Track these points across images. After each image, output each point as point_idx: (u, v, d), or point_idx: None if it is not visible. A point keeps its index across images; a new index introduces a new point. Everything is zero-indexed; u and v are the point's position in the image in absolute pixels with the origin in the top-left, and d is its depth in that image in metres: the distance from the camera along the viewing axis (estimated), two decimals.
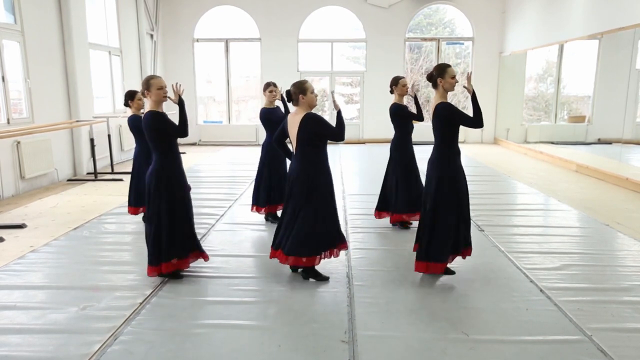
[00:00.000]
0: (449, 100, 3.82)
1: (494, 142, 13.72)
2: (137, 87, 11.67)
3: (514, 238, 5.06)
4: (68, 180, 8.40)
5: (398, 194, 5.14)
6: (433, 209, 3.79)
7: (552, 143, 11.76)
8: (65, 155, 8.60)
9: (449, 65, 3.81)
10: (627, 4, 7.97)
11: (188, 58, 13.41)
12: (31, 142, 7.45)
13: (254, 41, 13.41)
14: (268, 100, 5.37)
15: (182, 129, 3.82)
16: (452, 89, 3.79)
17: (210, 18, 13.35)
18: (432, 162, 3.89)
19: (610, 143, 9.89)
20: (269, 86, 5.37)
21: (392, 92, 5.16)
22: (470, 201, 6.47)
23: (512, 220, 5.79)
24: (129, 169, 9.23)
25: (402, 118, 5.11)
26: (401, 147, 5.17)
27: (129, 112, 5.47)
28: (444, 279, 3.96)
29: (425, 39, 14.14)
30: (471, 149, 12.38)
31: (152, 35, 12.59)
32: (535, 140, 12.33)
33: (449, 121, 3.73)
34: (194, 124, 13.58)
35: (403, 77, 5.18)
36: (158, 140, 3.78)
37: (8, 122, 7.20)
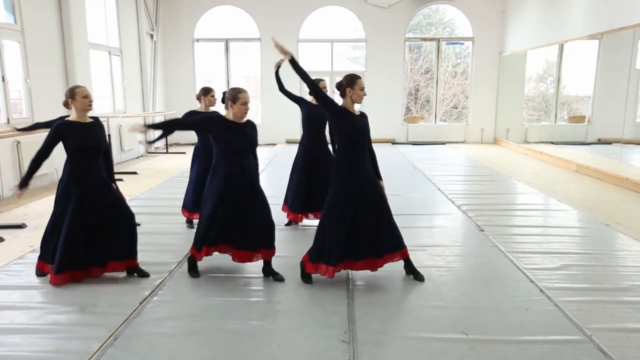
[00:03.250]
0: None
1: (494, 142, 13.72)
2: (137, 87, 11.75)
3: (514, 238, 5.05)
4: None
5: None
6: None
7: (552, 143, 11.75)
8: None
9: (359, 77, 3.79)
10: (627, 4, 7.97)
11: (188, 58, 13.42)
12: (31, 142, 7.44)
13: (254, 41, 13.42)
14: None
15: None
16: (359, 100, 3.78)
17: (210, 18, 13.36)
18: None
19: (610, 143, 9.87)
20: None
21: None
22: (471, 201, 6.55)
23: (512, 220, 5.79)
24: (130, 169, 9.26)
25: None
26: None
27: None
28: (444, 279, 3.97)
29: (425, 39, 14.15)
30: (471, 149, 12.38)
31: (152, 35, 12.59)
32: (535, 140, 12.31)
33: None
34: None
35: (323, 80, 5.24)
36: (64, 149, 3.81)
37: (8, 122, 7.20)
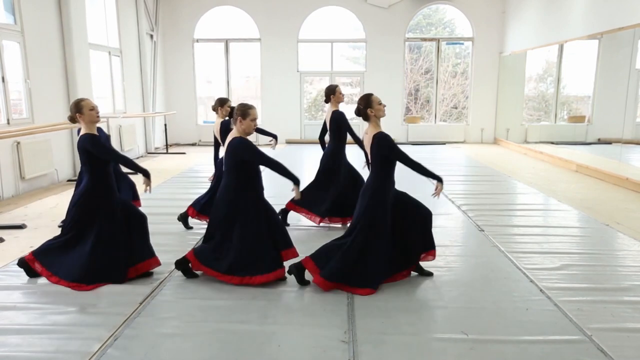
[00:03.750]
0: (382, 129, 3.79)
1: (494, 142, 13.72)
2: (137, 87, 11.74)
3: (514, 238, 5.05)
4: (68, 180, 8.40)
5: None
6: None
7: (552, 143, 11.75)
8: (65, 156, 8.59)
9: (371, 94, 3.81)
10: (627, 4, 7.97)
11: (188, 58, 13.42)
12: (31, 143, 7.45)
13: (254, 41, 13.42)
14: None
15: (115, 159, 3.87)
16: (383, 114, 3.79)
17: (210, 18, 13.37)
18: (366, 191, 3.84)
19: (610, 143, 9.88)
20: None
21: (327, 101, 5.24)
22: (471, 201, 6.55)
23: (512, 220, 5.79)
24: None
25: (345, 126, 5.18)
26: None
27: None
28: (444, 279, 3.97)
29: (425, 39, 14.15)
30: (471, 149, 12.38)
31: (152, 36, 12.59)
32: (535, 140, 12.32)
33: (387, 155, 3.75)
34: (194, 124, 13.61)
35: (338, 85, 5.29)
36: (89, 163, 3.76)
37: (8, 123, 7.21)
